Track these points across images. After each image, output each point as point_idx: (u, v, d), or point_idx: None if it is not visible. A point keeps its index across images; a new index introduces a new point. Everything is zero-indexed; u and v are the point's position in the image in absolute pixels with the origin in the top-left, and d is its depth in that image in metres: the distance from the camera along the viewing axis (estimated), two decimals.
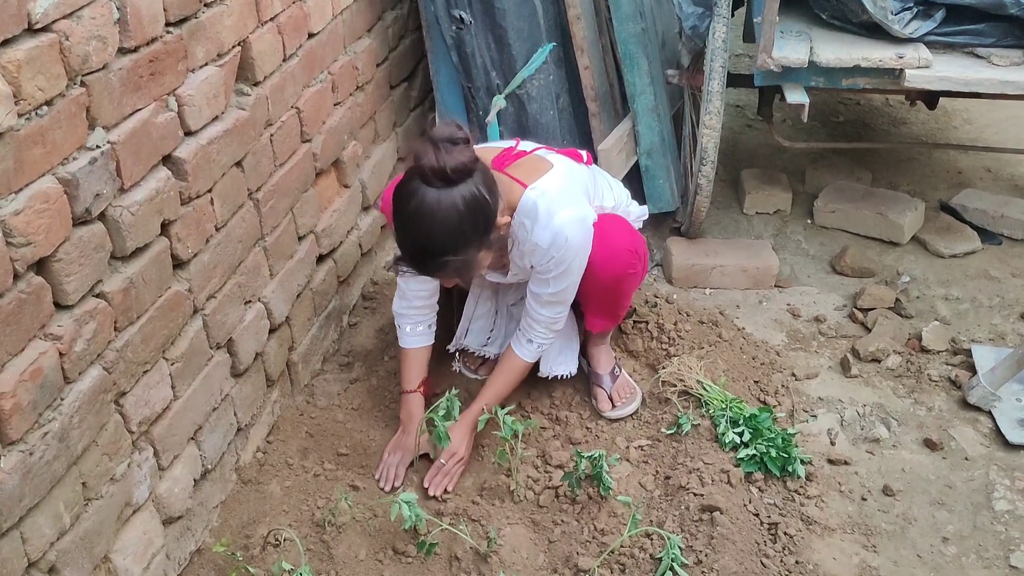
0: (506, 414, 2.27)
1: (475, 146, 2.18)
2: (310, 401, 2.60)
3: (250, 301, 2.26)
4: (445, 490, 2.35)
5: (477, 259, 2.14)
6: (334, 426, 2.52)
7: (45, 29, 1.51)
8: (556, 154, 2.40)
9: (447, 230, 2.03)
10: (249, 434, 2.33)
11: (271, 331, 2.37)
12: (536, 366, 2.54)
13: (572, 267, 2.30)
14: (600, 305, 2.51)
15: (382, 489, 2.36)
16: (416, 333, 2.51)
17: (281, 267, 2.41)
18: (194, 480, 2.07)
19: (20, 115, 1.47)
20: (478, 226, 2.07)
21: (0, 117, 1.42)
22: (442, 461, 2.36)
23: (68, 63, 1.56)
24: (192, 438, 2.05)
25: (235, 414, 2.24)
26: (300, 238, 2.51)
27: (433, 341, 2.56)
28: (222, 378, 2.15)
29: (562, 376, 2.60)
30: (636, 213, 2.65)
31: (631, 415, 2.57)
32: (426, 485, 2.35)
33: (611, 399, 2.58)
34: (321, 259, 2.66)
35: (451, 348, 2.71)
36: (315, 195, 2.57)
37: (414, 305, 2.48)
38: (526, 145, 2.41)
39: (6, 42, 1.43)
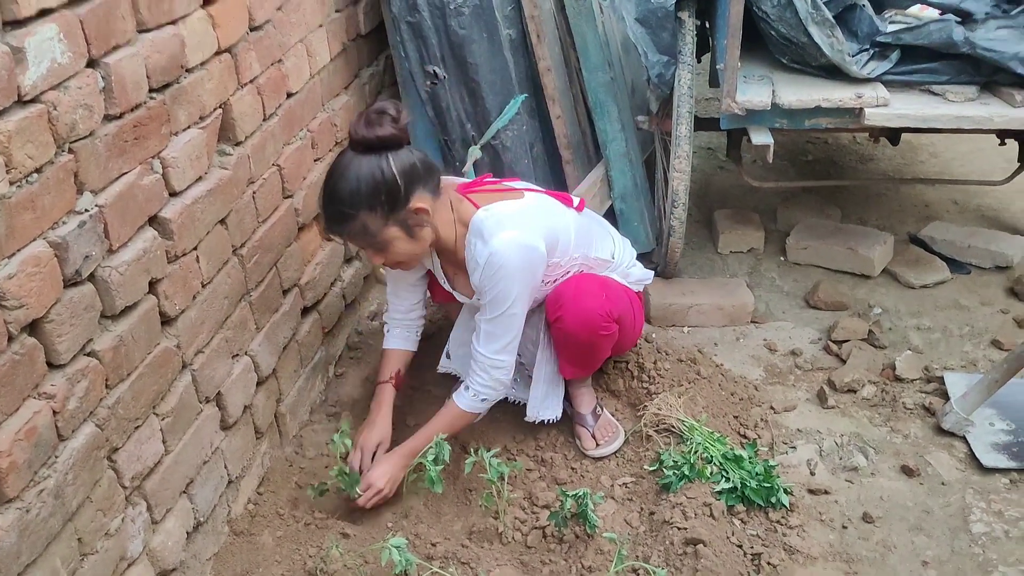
0: (492, 456, 2.32)
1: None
2: (299, 451, 2.63)
3: (237, 355, 2.30)
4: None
5: (384, 233, 2.26)
6: (323, 475, 2.54)
7: (34, 100, 1.57)
8: (540, 193, 2.50)
9: (344, 187, 2.21)
10: (240, 486, 2.36)
11: (259, 384, 2.41)
12: (523, 410, 2.61)
13: (505, 291, 2.30)
14: (572, 357, 2.57)
15: (348, 479, 2.41)
16: (400, 336, 2.66)
17: (267, 320, 2.45)
18: (187, 533, 2.09)
19: (11, 183, 1.52)
20: (377, 196, 2.20)
21: None
22: (358, 492, 2.38)
23: (56, 131, 1.62)
24: (184, 491, 2.08)
25: (225, 467, 2.27)
26: (285, 291, 2.57)
27: (415, 350, 2.70)
28: (212, 431, 2.19)
29: (548, 420, 2.64)
30: (637, 275, 2.72)
31: (614, 453, 2.62)
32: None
33: (594, 438, 2.62)
34: (306, 311, 2.71)
35: (440, 370, 2.80)
36: (298, 249, 2.63)
37: (398, 312, 2.65)
38: (517, 184, 2.54)
39: None
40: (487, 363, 2.39)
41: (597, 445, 2.62)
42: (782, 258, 3.64)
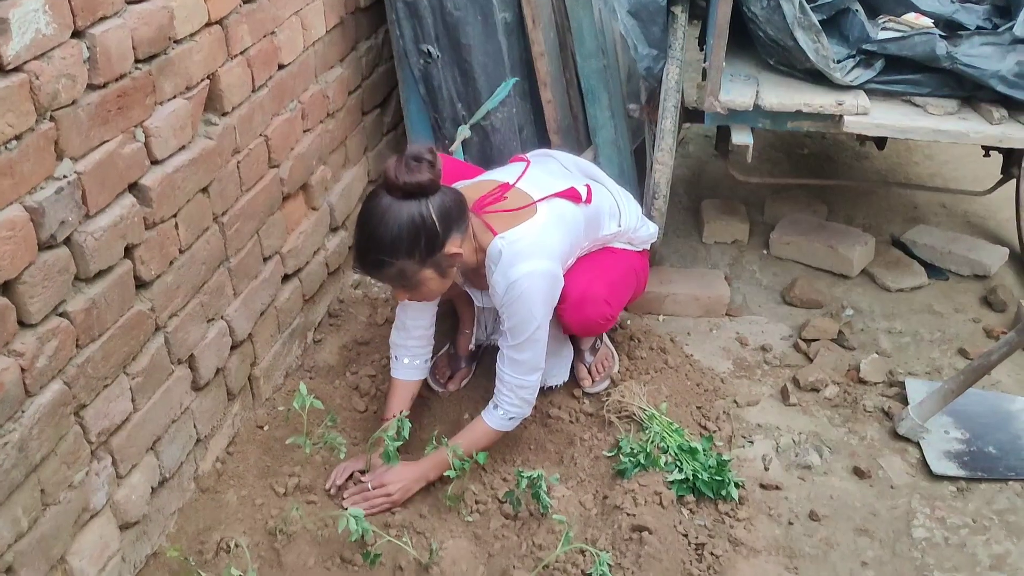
0: (459, 446, 2.39)
1: (479, 177, 2.54)
2: (271, 414, 2.71)
3: (213, 319, 2.37)
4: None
5: (419, 276, 2.30)
6: (293, 437, 2.62)
7: (16, 70, 1.62)
8: (550, 199, 2.49)
9: (385, 235, 2.22)
10: (209, 445, 2.44)
11: (233, 347, 2.48)
12: None
13: (527, 319, 2.36)
14: (570, 332, 2.73)
15: (327, 491, 2.47)
16: (411, 366, 2.63)
17: (245, 286, 2.52)
18: (152, 488, 2.17)
19: None
20: (416, 242, 2.23)
21: None
22: (369, 486, 2.40)
23: (38, 100, 1.67)
24: (151, 448, 2.15)
25: (195, 426, 2.34)
26: (266, 259, 2.63)
27: (424, 377, 2.69)
28: (182, 392, 2.26)
29: (555, 386, 2.79)
30: (644, 236, 2.81)
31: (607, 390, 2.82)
32: (344, 497, 2.41)
33: (591, 374, 2.81)
34: (287, 278, 2.78)
35: (472, 346, 2.93)
36: (282, 218, 2.69)
37: (413, 336, 2.61)
38: (530, 183, 2.53)
39: None
40: (514, 384, 2.44)
41: (593, 382, 2.80)
42: (765, 251, 3.68)
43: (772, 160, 4.39)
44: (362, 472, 2.48)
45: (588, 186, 2.63)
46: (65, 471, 1.85)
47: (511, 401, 2.46)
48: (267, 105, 2.53)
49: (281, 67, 2.60)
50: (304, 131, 2.78)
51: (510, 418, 2.49)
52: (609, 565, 2.22)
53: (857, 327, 3.24)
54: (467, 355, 2.93)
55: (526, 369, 2.44)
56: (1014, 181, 3.54)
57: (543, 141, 3.25)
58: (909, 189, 4.15)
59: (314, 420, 2.57)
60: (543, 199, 2.49)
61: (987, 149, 3.39)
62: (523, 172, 2.57)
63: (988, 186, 3.63)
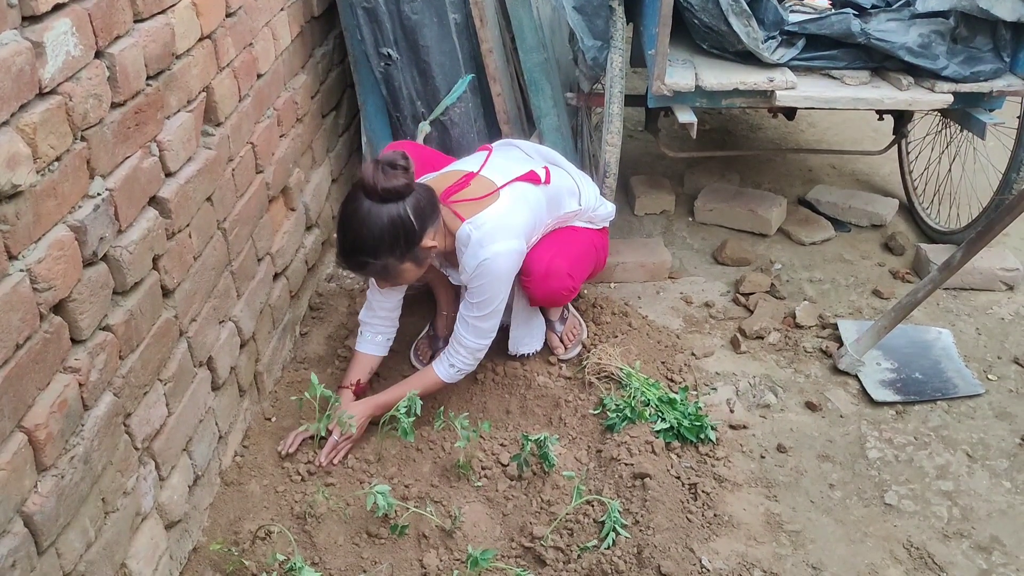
0: (463, 419, 2.37)
1: (448, 168, 2.51)
2: (275, 405, 2.62)
3: (223, 321, 2.28)
4: (332, 462, 2.41)
5: (399, 268, 2.33)
6: (297, 427, 2.54)
7: (52, 92, 1.51)
8: (512, 184, 2.48)
9: (368, 237, 2.25)
10: (228, 441, 2.35)
11: (241, 346, 2.39)
12: (504, 345, 2.70)
13: (492, 295, 2.42)
14: (536, 305, 2.70)
15: (278, 452, 2.43)
16: (373, 341, 2.62)
17: (246, 288, 2.42)
18: (188, 486, 2.08)
19: (37, 172, 1.47)
20: (397, 241, 2.26)
21: (23, 176, 1.42)
22: (335, 438, 2.41)
23: (72, 121, 1.56)
24: (185, 449, 2.06)
25: (216, 424, 2.25)
26: (259, 260, 2.53)
27: (385, 354, 2.66)
28: (205, 393, 2.17)
29: (528, 354, 2.76)
30: (603, 214, 2.82)
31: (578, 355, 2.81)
32: (321, 459, 2.40)
33: (562, 342, 2.78)
34: (276, 277, 2.68)
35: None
36: (269, 220, 2.59)
37: (378, 315, 2.61)
38: (493, 169, 2.51)
39: (23, 107, 1.43)
40: (473, 348, 2.49)
41: (566, 349, 2.78)
42: (690, 219, 3.75)
43: (681, 138, 4.45)
44: (311, 438, 2.46)
45: (547, 169, 2.63)
46: (120, 479, 1.76)
47: (465, 360, 2.51)
48: (251, 113, 2.43)
49: (259, 76, 2.50)
50: (280, 136, 2.68)
51: (459, 371, 2.53)
52: (619, 511, 2.23)
53: (784, 278, 3.33)
54: (445, 336, 2.89)
55: (485, 335, 2.49)
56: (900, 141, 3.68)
57: (494, 131, 3.22)
58: (818, 154, 4.28)
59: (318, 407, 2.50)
60: (505, 184, 2.49)
61: (880, 113, 3.52)
62: (485, 161, 2.57)
63: (871, 147, 3.78)
